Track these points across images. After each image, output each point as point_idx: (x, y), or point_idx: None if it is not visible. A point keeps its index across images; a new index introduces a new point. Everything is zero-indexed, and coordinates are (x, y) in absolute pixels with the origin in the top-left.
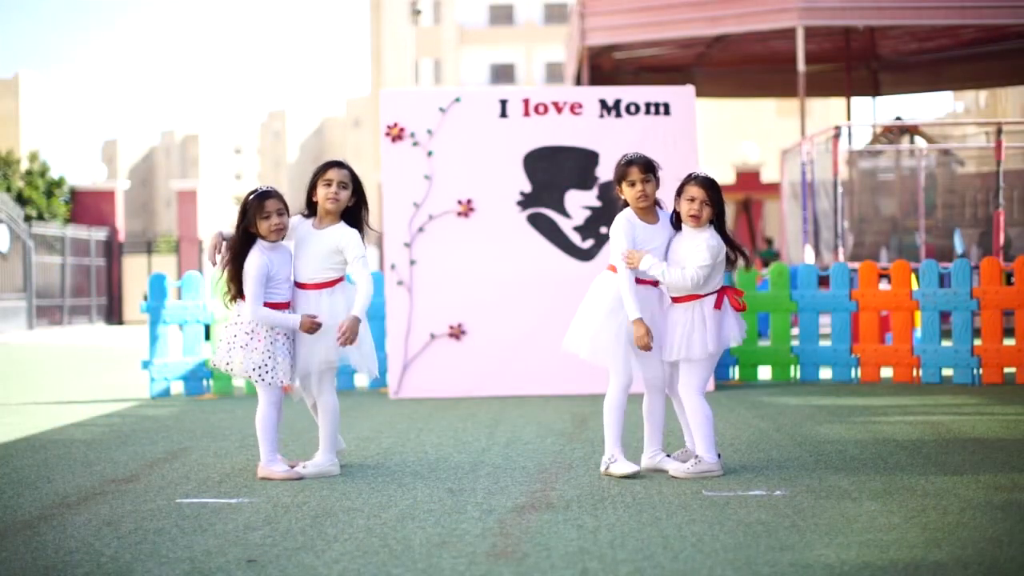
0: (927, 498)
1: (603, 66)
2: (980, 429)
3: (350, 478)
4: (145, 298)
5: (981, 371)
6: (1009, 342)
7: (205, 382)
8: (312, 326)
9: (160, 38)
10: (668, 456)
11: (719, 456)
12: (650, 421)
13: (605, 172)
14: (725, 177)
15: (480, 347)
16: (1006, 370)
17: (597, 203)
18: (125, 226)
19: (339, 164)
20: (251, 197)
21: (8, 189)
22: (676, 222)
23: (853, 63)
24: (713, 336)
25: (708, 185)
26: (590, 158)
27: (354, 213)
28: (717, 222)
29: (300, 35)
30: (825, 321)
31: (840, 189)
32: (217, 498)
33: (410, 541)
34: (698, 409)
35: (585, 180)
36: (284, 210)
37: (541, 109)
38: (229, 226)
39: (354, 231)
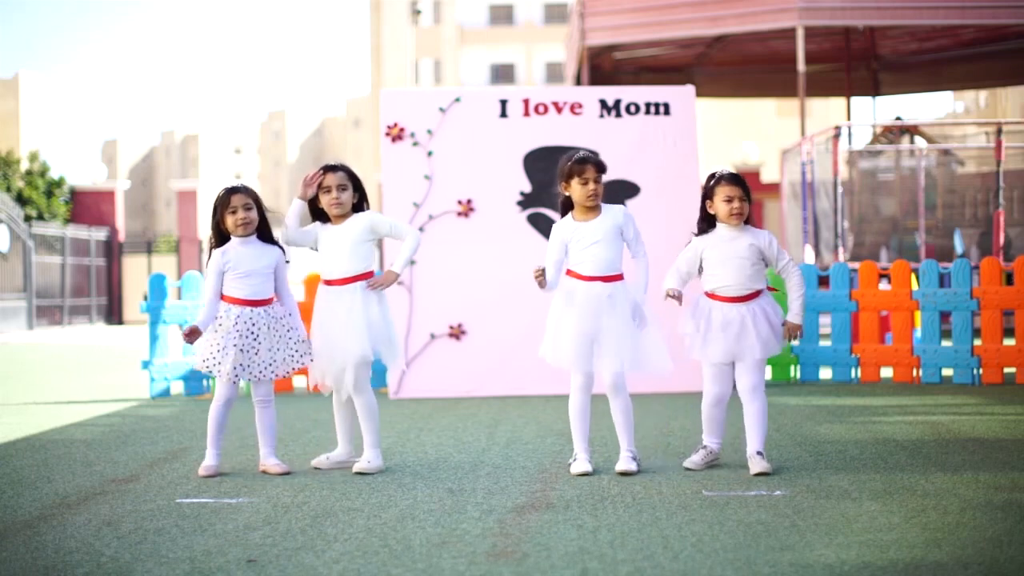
0: (927, 498)
1: (603, 66)
2: (980, 429)
3: (350, 478)
4: (145, 298)
5: (981, 371)
6: (1009, 342)
7: (205, 382)
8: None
9: (160, 38)
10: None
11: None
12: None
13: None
14: None
15: (480, 347)
16: (1006, 370)
17: None
18: (125, 226)
19: (333, 168)
20: (220, 193)
21: (8, 189)
22: (703, 224)
23: (853, 63)
24: (779, 330)
25: (739, 181)
26: None
27: (358, 210)
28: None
29: (300, 35)
30: (825, 321)
31: (840, 189)
32: (217, 498)
33: (410, 541)
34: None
35: None
36: (252, 205)
37: (541, 109)
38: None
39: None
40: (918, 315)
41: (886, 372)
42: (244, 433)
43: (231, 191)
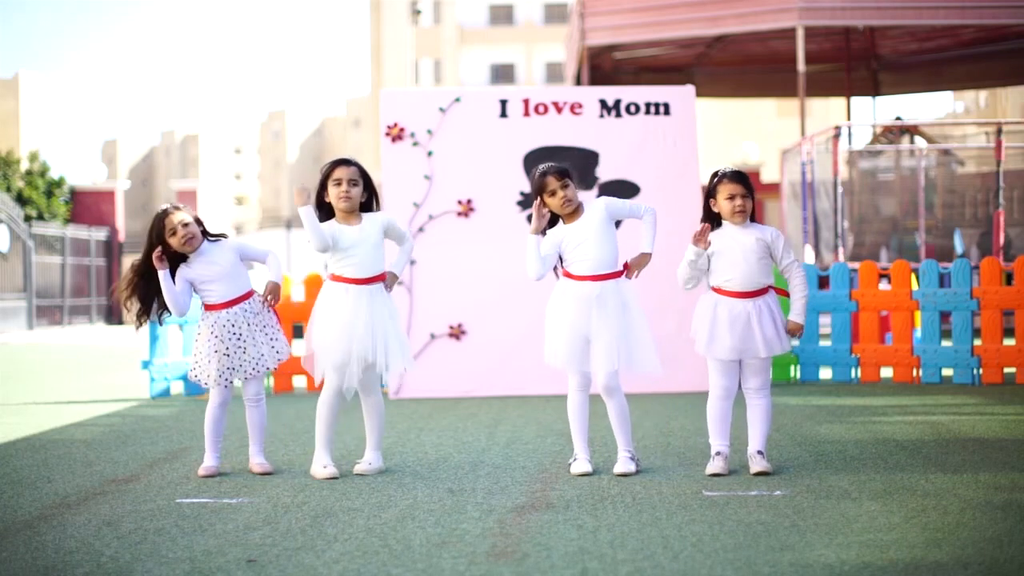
0: (927, 498)
1: (603, 66)
2: (980, 429)
3: (350, 478)
4: None
5: (981, 371)
6: (1009, 342)
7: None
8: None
9: (160, 38)
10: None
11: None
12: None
13: (605, 172)
14: None
15: (480, 347)
16: (1006, 370)
17: None
18: (125, 226)
19: (346, 162)
20: (154, 219)
21: (8, 189)
22: (707, 222)
23: (853, 63)
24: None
25: (742, 179)
26: (590, 158)
27: (367, 208)
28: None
29: (300, 35)
30: (825, 321)
31: (840, 189)
32: (217, 498)
33: (410, 541)
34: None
35: (585, 180)
36: (189, 220)
37: (541, 109)
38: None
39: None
40: (918, 315)
41: (886, 372)
42: (244, 433)
43: (163, 215)
